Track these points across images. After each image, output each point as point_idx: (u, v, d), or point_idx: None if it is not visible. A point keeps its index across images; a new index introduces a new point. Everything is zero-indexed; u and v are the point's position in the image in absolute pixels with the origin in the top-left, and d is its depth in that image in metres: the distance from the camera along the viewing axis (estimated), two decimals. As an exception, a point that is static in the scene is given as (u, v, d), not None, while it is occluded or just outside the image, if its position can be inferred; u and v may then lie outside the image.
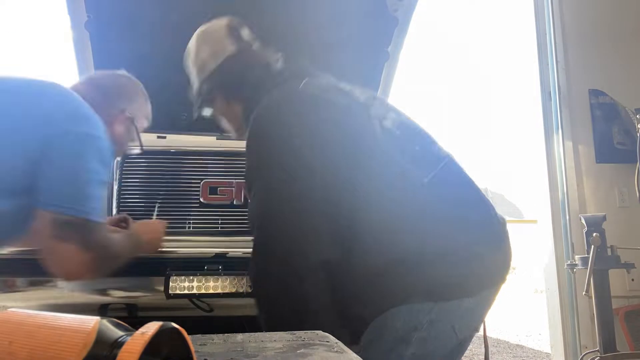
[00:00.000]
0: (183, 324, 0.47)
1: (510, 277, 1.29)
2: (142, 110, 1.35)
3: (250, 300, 1.65)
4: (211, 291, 1.53)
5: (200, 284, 1.52)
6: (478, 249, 1.12)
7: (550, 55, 3.24)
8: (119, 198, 1.71)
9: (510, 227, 1.26)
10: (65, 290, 1.47)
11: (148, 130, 1.52)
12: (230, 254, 1.61)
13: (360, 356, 0.61)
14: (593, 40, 3.24)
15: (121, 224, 1.41)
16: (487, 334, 1.39)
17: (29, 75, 1.18)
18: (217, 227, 1.72)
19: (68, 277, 1.15)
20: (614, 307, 2.58)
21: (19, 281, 1.48)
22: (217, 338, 0.75)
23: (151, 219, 1.61)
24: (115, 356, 0.40)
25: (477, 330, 1.26)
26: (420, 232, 1.09)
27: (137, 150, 1.44)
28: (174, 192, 1.72)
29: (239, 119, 1.37)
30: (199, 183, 1.72)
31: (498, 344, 4.43)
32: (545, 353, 3.92)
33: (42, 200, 1.02)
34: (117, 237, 1.21)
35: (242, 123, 1.34)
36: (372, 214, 1.09)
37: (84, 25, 2.37)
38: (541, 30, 3.31)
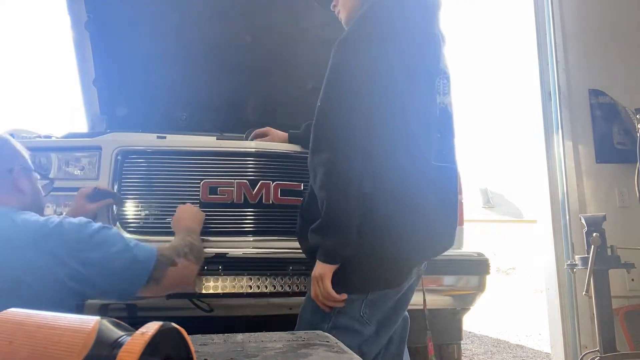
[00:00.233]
0: (183, 324, 0.47)
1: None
2: (21, 154, 1.34)
3: (251, 300, 1.66)
4: (211, 291, 1.53)
5: (200, 284, 1.52)
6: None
7: (550, 55, 3.24)
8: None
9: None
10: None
11: (148, 130, 1.52)
12: (230, 254, 1.61)
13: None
14: (593, 40, 3.24)
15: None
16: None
17: None
18: (217, 227, 1.72)
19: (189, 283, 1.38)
20: (614, 307, 2.58)
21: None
22: (217, 338, 0.75)
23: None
24: (115, 356, 0.40)
25: None
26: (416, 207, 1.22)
27: (49, 182, 1.48)
28: (174, 192, 1.72)
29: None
30: (199, 183, 1.72)
31: (498, 344, 4.42)
32: (545, 353, 3.92)
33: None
34: (190, 241, 1.39)
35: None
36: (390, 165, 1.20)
37: (84, 25, 2.37)
38: (541, 30, 3.31)
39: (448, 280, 1.86)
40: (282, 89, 2.77)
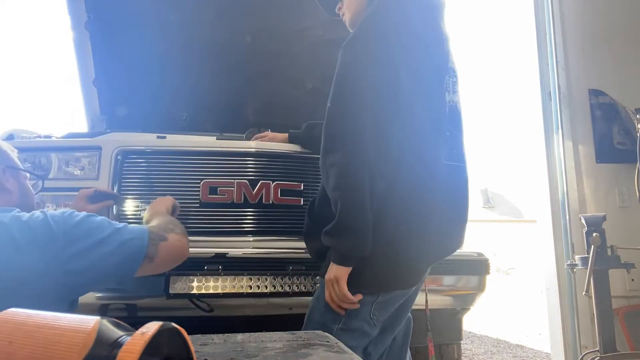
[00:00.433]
0: (183, 324, 0.47)
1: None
2: (7, 152, 1.33)
3: (251, 300, 1.66)
4: (211, 291, 1.53)
5: (200, 284, 1.52)
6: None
7: (550, 55, 3.24)
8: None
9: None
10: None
11: (148, 130, 1.52)
12: (230, 254, 1.61)
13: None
14: (593, 40, 3.24)
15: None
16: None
17: None
18: (217, 227, 1.72)
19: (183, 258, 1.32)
20: (614, 307, 2.58)
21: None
22: (217, 338, 0.75)
23: None
24: (115, 356, 0.40)
25: None
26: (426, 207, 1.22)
27: (40, 182, 1.47)
28: (174, 192, 1.71)
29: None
30: (199, 183, 1.72)
31: (498, 343, 4.43)
32: (545, 353, 3.92)
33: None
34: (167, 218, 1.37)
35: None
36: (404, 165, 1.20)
37: (84, 25, 2.37)
38: (541, 30, 3.31)
39: (448, 280, 1.86)
40: (282, 89, 2.77)
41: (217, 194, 1.72)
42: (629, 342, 2.80)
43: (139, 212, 1.71)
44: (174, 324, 0.45)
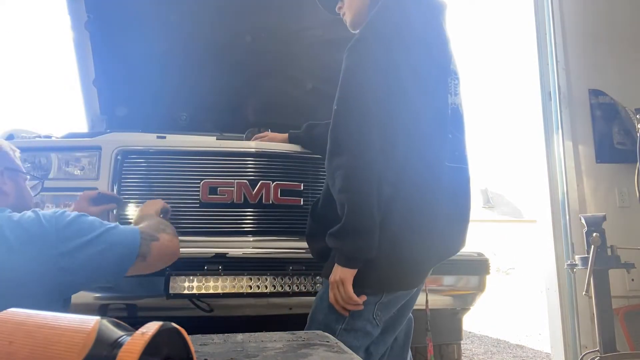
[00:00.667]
0: (183, 324, 0.47)
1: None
2: (7, 154, 1.33)
3: (251, 300, 1.66)
4: (211, 291, 1.53)
5: (200, 284, 1.52)
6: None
7: (550, 55, 3.24)
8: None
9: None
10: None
11: (148, 130, 1.52)
12: (230, 254, 1.61)
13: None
14: (593, 40, 3.23)
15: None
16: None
17: None
18: (217, 227, 1.72)
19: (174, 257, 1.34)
20: (614, 307, 2.58)
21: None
22: (217, 338, 0.75)
23: None
24: (115, 356, 0.40)
25: None
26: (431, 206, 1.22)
27: (39, 183, 1.47)
28: (174, 192, 1.71)
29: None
30: (199, 183, 1.72)
31: (498, 343, 4.42)
32: (545, 353, 3.92)
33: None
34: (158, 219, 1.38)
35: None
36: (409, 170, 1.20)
37: (84, 25, 2.37)
38: (541, 30, 3.31)
39: (448, 280, 1.86)
40: (282, 89, 2.77)
41: (217, 194, 1.72)
42: (629, 342, 2.80)
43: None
44: (174, 324, 0.45)
